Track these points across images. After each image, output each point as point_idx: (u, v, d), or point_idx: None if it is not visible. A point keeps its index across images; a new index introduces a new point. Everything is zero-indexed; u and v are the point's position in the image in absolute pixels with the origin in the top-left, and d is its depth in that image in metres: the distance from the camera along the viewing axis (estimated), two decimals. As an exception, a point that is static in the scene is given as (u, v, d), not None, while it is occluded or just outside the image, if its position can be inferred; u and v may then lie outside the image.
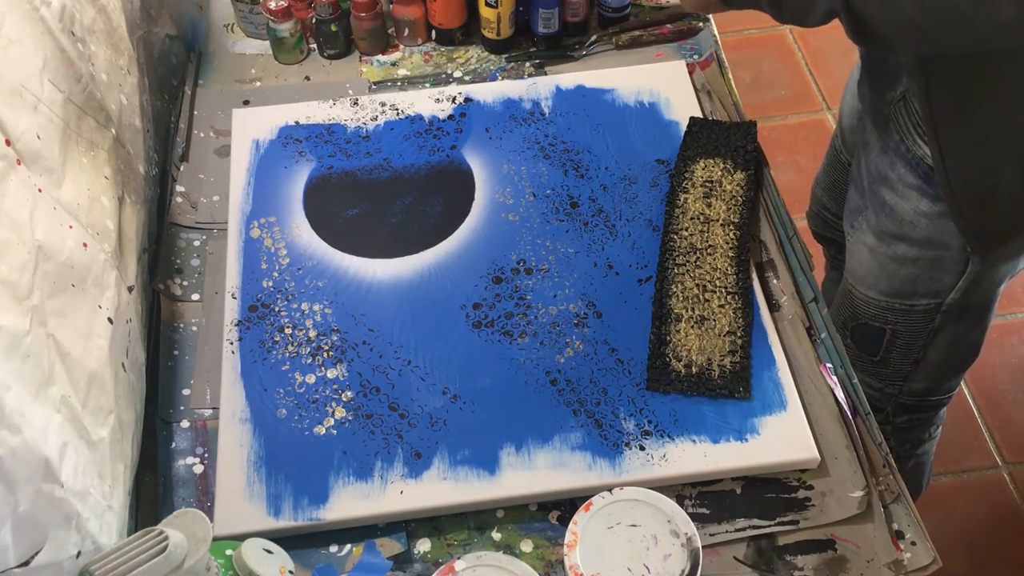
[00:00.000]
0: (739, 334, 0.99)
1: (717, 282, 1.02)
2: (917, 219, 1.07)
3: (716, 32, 1.34)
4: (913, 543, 0.89)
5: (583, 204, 1.12)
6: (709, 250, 1.05)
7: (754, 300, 1.02)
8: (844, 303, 1.22)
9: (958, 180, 0.99)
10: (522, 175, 1.15)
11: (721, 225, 1.07)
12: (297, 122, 1.21)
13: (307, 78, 1.31)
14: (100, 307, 0.88)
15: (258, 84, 1.30)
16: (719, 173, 1.11)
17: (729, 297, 1.01)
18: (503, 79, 1.28)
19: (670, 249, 1.05)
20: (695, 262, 1.04)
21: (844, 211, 1.22)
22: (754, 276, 1.05)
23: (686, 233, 1.06)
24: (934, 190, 1.04)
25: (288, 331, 1.02)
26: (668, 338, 0.99)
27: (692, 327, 0.99)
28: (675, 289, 1.02)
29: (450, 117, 1.21)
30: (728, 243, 1.05)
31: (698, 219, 1.07)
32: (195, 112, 1.25)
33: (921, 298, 1.13)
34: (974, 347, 1.24)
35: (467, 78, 1.29)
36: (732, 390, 0.95)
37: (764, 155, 1.18)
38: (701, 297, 1.01)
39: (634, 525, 0.80)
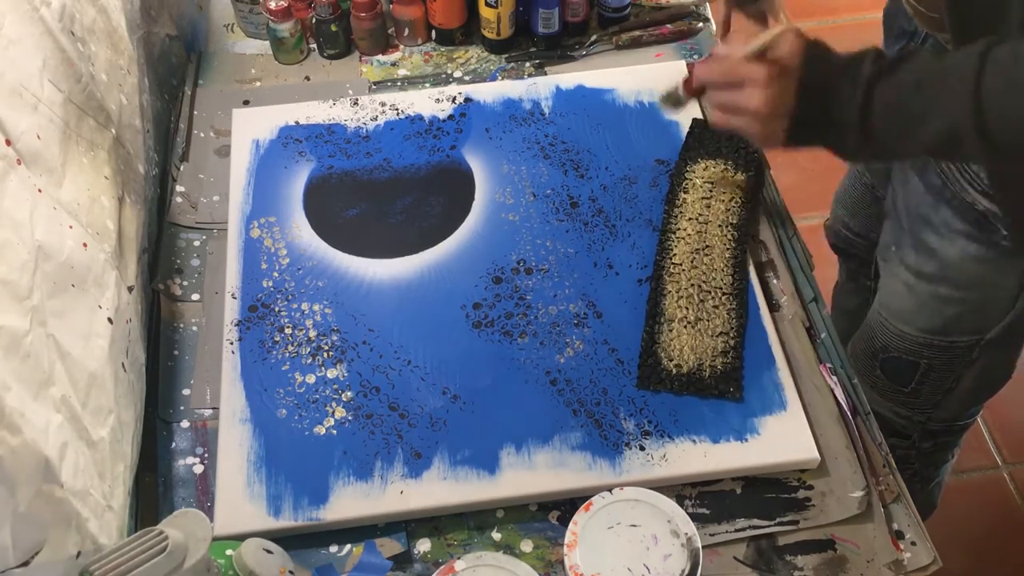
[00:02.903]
0: (732, 335, 0.99)
1: (713, 283, 1.02)
2: (964, 263, 1.02)
3: (716, 32, 1.34)
4: (913, 543, 0.89)
5: (583, 204, 1.12)
6: (706, 251, 1.05)
7: (753, 301, 1.02)
8: (875, 335, 1.16)
9: None
10: (522, 175, 1.15)
11: (719, 226, 1.07)
12: (297, 122, 1.21)
13: (307, 78, 1.31)
14: (100, 307, 0.88)
15: (258, 84, 1.30)
16: (719, 174, 1.11)
17: (724, 298, 1.01)
18: (503, 79, 1.28)
19: (667, 249, 1.05)
20: (691, 262, 1.04)
21: (878, 243, 1.16)
22: (754, 276, 1.05)
23: (683, 233, 1.06)
24: (986, 235, 0.99)
25: (288, 331, 1.02)
26: (660, 337, 0.99)
27: (685, 327, 0.99)
28: (670, 289, 1.02)
29: (450, 117, 1.21)
30: (725, 244, 1.05)
31: (696, 220, 1.07)
32: (195, 112, 1.25)
33: (963, 335, 1.09)
34: (1008, 371, 1.20)
35: (467, 78, 1.29)
36: (723, 391, 0.95)
37: (765, 156, 1.18)
38: (696, 297, 1.01)
39: (634, 525, 0.80)
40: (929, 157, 0.97)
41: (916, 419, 1.20)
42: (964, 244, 1.01)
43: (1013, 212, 0.94)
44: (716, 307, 1.01)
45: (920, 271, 1.07)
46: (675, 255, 1.04)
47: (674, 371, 0.96)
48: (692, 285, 1.02)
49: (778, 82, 0.86)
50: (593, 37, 1.32)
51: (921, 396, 1.17)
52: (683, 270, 1.03)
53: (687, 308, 1.00)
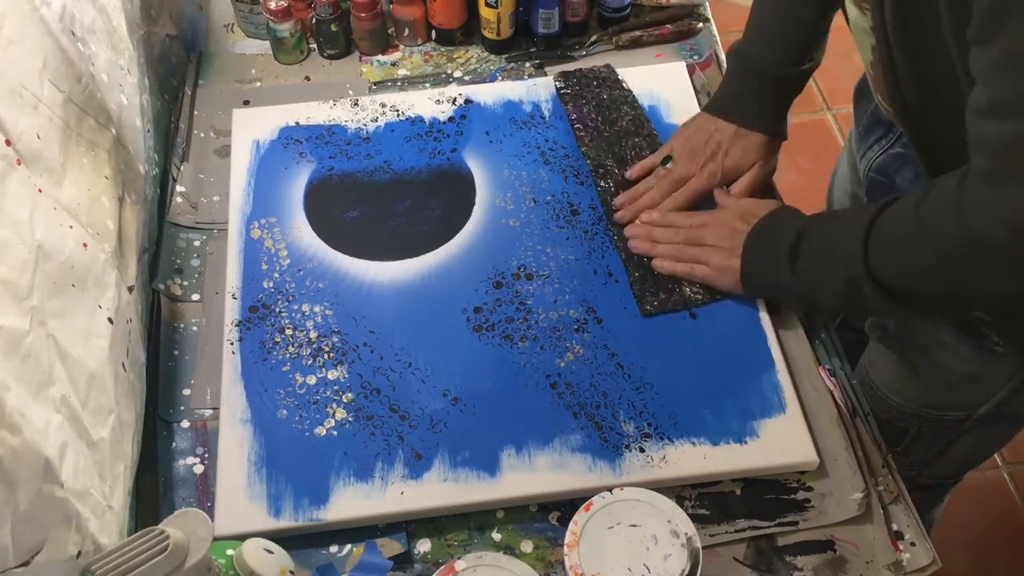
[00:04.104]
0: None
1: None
2: (955, 363, 1.01)
3: (716, 32, 1.34)
4: (912, 543, 0.89)
5: (583, 212, 1.11)
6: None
7: (752, 303, 1.02)
8: (862, 391, 1.08)
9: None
10: (522, 180, 1.15)
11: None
12: (297, 123, 1.21)
13: (307, 78, 1.31)
14: (100, 307, 0.88)
15: (258, 84, 1.30)
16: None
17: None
18: (503, 79, 1.28)
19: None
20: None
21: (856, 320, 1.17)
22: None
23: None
24: (976, 341, 0.98)
25: (289, 332, 1.02)
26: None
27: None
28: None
29: (450, 119, 1.21)
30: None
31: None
32: (195, 112, 1.25)
33: (952, 410, 1.08)
34: (1003, 441, 1.18)
35: (467, 78, 1.29)
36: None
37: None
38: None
39: (634, 525, 0.80)
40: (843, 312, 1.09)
41: (906, 473, 1.12)
42: (954, 347, 1.00)
43: (1009, 320, 0.93)
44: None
45: (907, 361, 1.06)
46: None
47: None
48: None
49: (731, 229, 1.00)
50: (593, 37, 1.32)
51: (912, 456, 1.15)
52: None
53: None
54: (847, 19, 0.95)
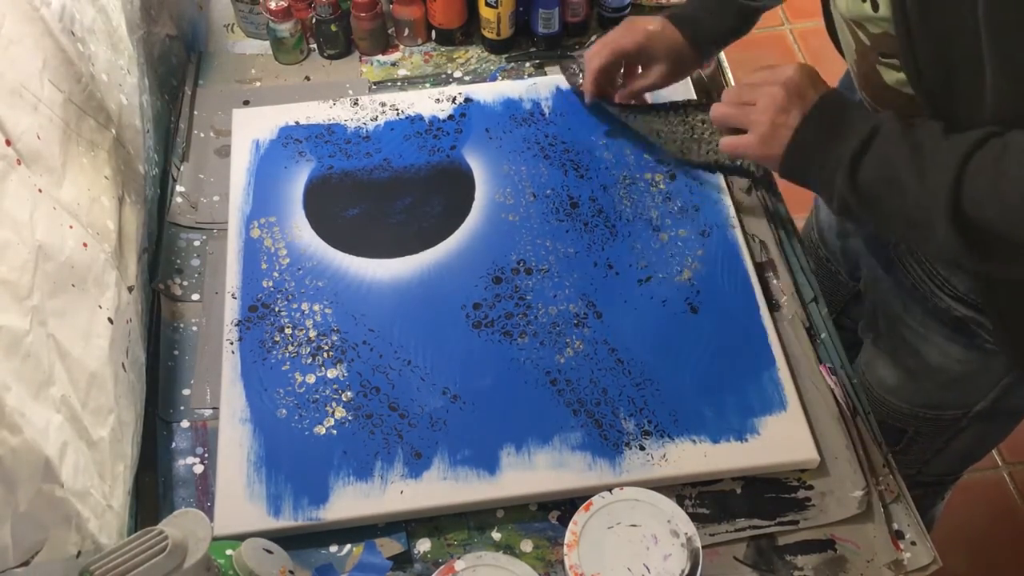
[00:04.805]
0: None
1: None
2: (946, 362, 1.00)
3: (716, 32, 1.34)
4: (913, 543, 0.89)
5: (583, 204, 1.12)
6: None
7: (752, 301, 1.02)
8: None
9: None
10: (522, 175, 1.15)
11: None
12: (297, 122, 1.21)
13: (307, 78, 1.31)
14: (100, 307, 0.88)
15: (258, 84, 1.30)
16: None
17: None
18: (503, 79, 1.28)
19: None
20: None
21: (858, 321, 1.14)
22: (754, 276, 1.05)
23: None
24: (967, 339, 0.97)
25: (288, 331, 1.02)
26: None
27: None
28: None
29: (450, 117, 1.21)
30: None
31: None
32: (195, 112, 1.25)
33: (948, 409, 1.07)
34: (1000, 437, 1.18)
35: (467, 78, 1.29)
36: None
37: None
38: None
39: (634, 525, 0.80)
40: (905, 239, 0.97)
41: (906, 471, 1.12)
42: (944, 346, 0.99)
43: (1001, 318, 0.91)
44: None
45: (900, 362, 1.06)
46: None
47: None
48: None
49: (790, 101, 0.87)
50: (593, 37, 1.32)
51: (911, 455, 1.15)
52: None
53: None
54: (828, 12, 0.94)
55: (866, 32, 0.85)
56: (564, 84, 1.24)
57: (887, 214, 0.83)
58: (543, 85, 1.24)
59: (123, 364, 0.91)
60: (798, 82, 0.88)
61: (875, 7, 0.81)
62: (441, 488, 0.91)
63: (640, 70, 1.14)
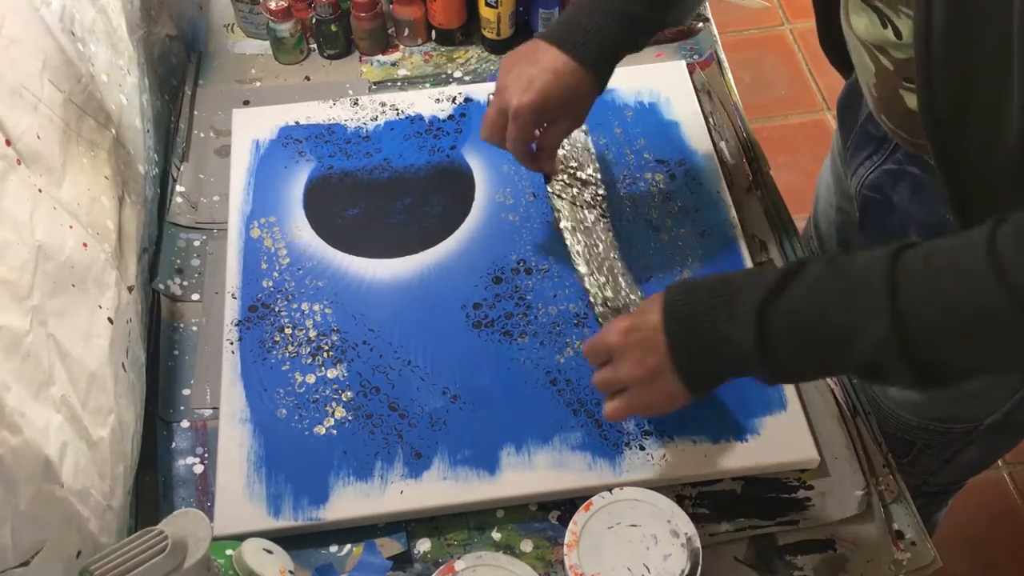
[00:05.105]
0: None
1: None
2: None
3: (716, 32, 1.34)
4: (913, 543, 0.89)
5: (583, 204, 1.12)
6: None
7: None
8: (870, 406, 1.03)
9: None
10: (522, 175, 1.15)
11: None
12: (297, 122, 1.21)
13: (307, 78, 1.31)
14: (100, 307, 0.88)
15: (258, 84, 1.30)
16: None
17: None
18: (503, 79, 1.28)
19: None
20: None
21: None
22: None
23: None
24: None
25: (288, 331, 1.02)
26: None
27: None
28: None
29: (450, 117, 1.21)
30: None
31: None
32: (195, 112, 1.25)
33: (959, 423, 1.05)
34: (1007, 449, 1.16)
35: (467, 78, 1.29)
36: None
37: (764, 155, 1.18)
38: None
39: (634, 525, 0.80)
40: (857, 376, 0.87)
41: (911, 482, 1.09)
42: None
43: None
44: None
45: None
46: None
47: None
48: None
49: (640, 340, 0.79)
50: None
51: (918, 466, 1.13)
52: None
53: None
54: (826, 29, 0.91)
55: (889, 57, 0.82)
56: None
57: (822, 357, 0.73)
58: (543, 85, 1.24)
59: (123, 364, 0.91)
60: (628, 335, 0.80)
61: (898, 35, 0.78)
62: (441, 488, 0.91)
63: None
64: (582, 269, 1.00)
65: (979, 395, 1.02)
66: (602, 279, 1.00)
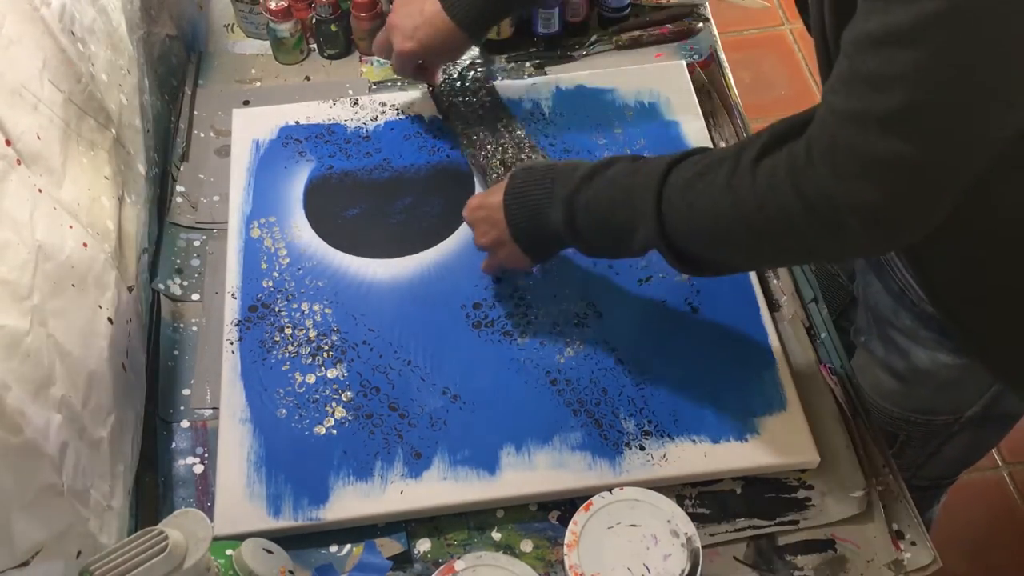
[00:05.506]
0: None
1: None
2: (935, 367, 0.99)
3: (716, 32, 1.34)
4: (913, 543, 0.89)
5: (583, 204, 1.11)
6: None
7: (752, 301, 1.02)
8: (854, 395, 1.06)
9: (991, 336, 0.89)
10: (522, 175, 1.15)
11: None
12: (297, 122, 1.21)
13: (307, 78, 1.31)
14: (100, 307, 0.88)
15: (258, 84, 1.30)
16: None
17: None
18: (503, 79, 1.28)
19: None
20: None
21: (850, 325, 1.13)
22: (754, 276, 1.05)
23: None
24: (954, 343, 0.95)
25: (288, 331, 1.02)
26: None
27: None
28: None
29: (450, 117, 1.21)
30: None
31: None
32: (195, 112, 1.25)
33: (939, 415, 1.06)
34: (993, 442, 1.17)
35: (467, 78, 1.29)
36: None
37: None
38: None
39: (634, 525, 0.80)
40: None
41: (902, 475, 1.10)
42: (933, 349, 0.98)
43: (957, 317, 0.89)
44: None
45: (890, 366, 1.05)
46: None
47: None
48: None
49: (485, 216, 0.97)
50: (593, 37, 1.32)
51: (903, 459, 1.13)
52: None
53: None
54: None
55: None
56: (564, 84, 1.24)
57: (617, 244, 0.89)
58: (543, 85, 1.24)
59: (123, 364, 0.91)
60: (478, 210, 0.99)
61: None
62: (441, 488, 0.91)
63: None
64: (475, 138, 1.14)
65: (957, 387, 1.02)
66: (499, 145, 1.14)
